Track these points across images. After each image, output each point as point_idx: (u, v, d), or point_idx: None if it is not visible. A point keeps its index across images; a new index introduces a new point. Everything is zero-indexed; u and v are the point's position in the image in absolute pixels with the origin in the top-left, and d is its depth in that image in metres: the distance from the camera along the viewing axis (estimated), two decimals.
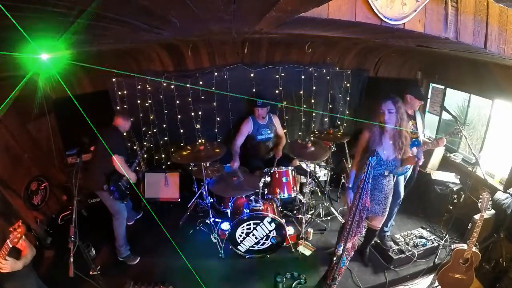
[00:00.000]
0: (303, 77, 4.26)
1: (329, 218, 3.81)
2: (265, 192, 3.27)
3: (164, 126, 4.17)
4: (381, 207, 2.65)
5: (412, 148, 3.02)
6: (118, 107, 3.95)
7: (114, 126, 3.16)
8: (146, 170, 4.19)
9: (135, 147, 3.98)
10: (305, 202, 3.59)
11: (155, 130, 4.18)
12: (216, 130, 4.29)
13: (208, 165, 3.56)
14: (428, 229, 3.46)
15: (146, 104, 4.01)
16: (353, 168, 2.67)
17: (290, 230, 3.36)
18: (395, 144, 2.45)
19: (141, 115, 4.05)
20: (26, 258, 1.98)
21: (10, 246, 1.82)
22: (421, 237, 3.27)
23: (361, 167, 2.59)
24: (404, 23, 1.82)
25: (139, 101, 3.99)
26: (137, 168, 3.54)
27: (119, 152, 2.97)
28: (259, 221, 3.06)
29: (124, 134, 3.37)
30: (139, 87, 3.91)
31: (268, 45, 3.87)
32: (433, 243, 3.18)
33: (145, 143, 3.85)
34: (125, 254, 3.23)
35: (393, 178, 3.10)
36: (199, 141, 3.44)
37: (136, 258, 3.28)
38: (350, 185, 2.63)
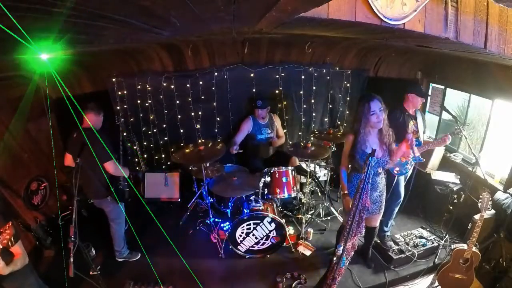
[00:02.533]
0: (303, 77, 4.26)
1: (329, 218, 3.81)
2: (265, 192, 3.27)
3: (164, 126, 4.18)
4: (377, 205, 2.64)
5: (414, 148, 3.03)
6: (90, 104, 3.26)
7: (87, 128, 2.62)
8: (146, 170, 4.19)
9: (135, 147, 3.99)
10: (305, 202, 3.59)
11: (155, 130, 4.18)
12: (216, 130, 4.29)
13: (208, 165, 3.56)
14: (428, 229, 3.46)
15: (146, 104, 4.01)
16: (343, 167, 2.61)
17: (290, 230, 3.36)
18: (382, 140, 2.45)
19: (141, 115, 4.06)
20: (15, 265, 1.96)
21: (1, 247, 1.82)
22: (421, 237, 3.27)
23: (351, 169, 2.58)
24: (404, 23, 1.82)
25: (139, 101, 3.99)
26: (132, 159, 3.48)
27: (108, 157, 2.68)
28: (259, 221, 3.06)
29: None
30: (139, 87, 3.91)
31: (268, 45, 3.87)
32: (433, 243, 3.18)
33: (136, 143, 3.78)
34: (125, 254, 3.22)
35: (403, 178, 3.08)
36: (199, 141, 3.43)
37: (137, 254, 3.28)
38: (346, 191, 2.57)
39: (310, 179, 3.67)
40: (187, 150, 3.34)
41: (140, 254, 3.28)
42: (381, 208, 2.69)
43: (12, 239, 1.87)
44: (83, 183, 2.82)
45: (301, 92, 4.35)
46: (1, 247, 1.82)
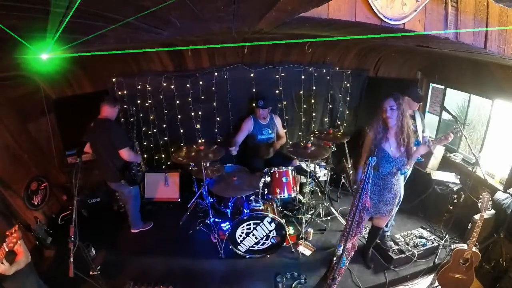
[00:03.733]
0: (303, 77, 4.26)
1: (329, 218, 3.81)
2: (265, 192, 3.26)
3: (164, 126, 4.17)
4: (389, 207, 2.65)
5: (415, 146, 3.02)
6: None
7: (104, 119, 3.05)
8: (146, 170, 4.19)
9: (135, 147, 3.98)
10: (305, 202, 3.59)
11: (155, 130, 4.18)
12: (216, 130, 4.29)
13: (208, 165, 3.56)
14: (428, 229, 3.46)
15: (146, 104, 4.01)
16: (360, 166, 2.71)
17: (290, 230, 3.36)
18: (398, 140, 2.47)
19: (141, 115, 4.06)
20: (19, 265, 1.98)
21: (7, 250, 1.82)
22: (421, 237, 3.27)
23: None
24: (404, 23, 1.82)
25: (139, 101, 3.99)
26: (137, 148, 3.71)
27: (124, 144, 3.04)
28: (259, 221, 3.06)
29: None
30: (139, 87, 3.91)
31: (268, 45, 3.86)
32: (433, 243, 3.18)
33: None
34: (140, 225, 3.57)
35: (403, 178, 3.10)
36: (199, 141, 3.44)
37: (150, 223, 3.67)
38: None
39: (310, 179, 3.66)
40: (187, 150, 3.34)
41: (152, 223, 3.66)
42: (392, 212, 2.71)
43: (19, 242, 1.89)
44: (102, 168, 3.21)
45: (301, 92, 4.35)
46: (7, 250, 1.83)
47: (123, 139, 3.09)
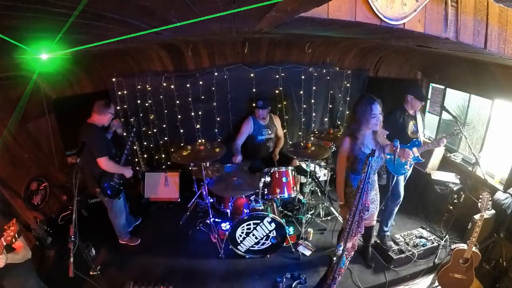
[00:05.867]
0: (303, 77, 4.26)
1: (329, 218, 3.81)
2: (265, 192, 3.26)
3: (164, 126, 4.17)
4: (375, 204, 2.67)
5: (413, 149, 3.03)
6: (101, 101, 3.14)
7: (89, 123, 2.90)
8: (146, 170, 4.19)
9: (135, 147, 3.99)
10: (305, 202, 3.59)
11: (155, 130, 4.18)
12: (216, 130, 4.29)
13: (208, 165, 3.56)
14: (428, 229, 3.46)
15: (146, 104, 4.01)
16: (342, 175, 2.55)
17: (290, 230, 3.36)
18: (376, 140, 2.48)
19: (141, 115, 4.06)
20: (16, 255, 1.97)
21: (4, 244, 1.82)
22: (421, 237, 3.27)
23: (350, 171, 2.52)
24: (404, 23, 1.82)
25: (139, 101, 3.99)
26: (134, 161, 3.44)
27: (101, 153, 2.82)
28: (259, 221, 3.06)
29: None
30: (139, 87, 3.91)
31: (268, 45, 3.87)
32: (433, 243, 3.18)
33: (132, 135, 3.45)
34: (126, 238, 3.41)
35: (403, 178, 3.06)
36: (199, 141, 3.43)
37: (137, 239, 3.46)
38: (343, 202, 2.59)
39: (310, 179, 3.66)
40: (187, 150, 3.34)
41: (140, 240, 3.46)
42: (378, 207, 2.74)
43: (16, 235, 1.88)
44: (83, 175, 3.00)
45: (301, 92, 4.35)
46: (5, 244, 1.82)
47: (102, 147, 2.86)
